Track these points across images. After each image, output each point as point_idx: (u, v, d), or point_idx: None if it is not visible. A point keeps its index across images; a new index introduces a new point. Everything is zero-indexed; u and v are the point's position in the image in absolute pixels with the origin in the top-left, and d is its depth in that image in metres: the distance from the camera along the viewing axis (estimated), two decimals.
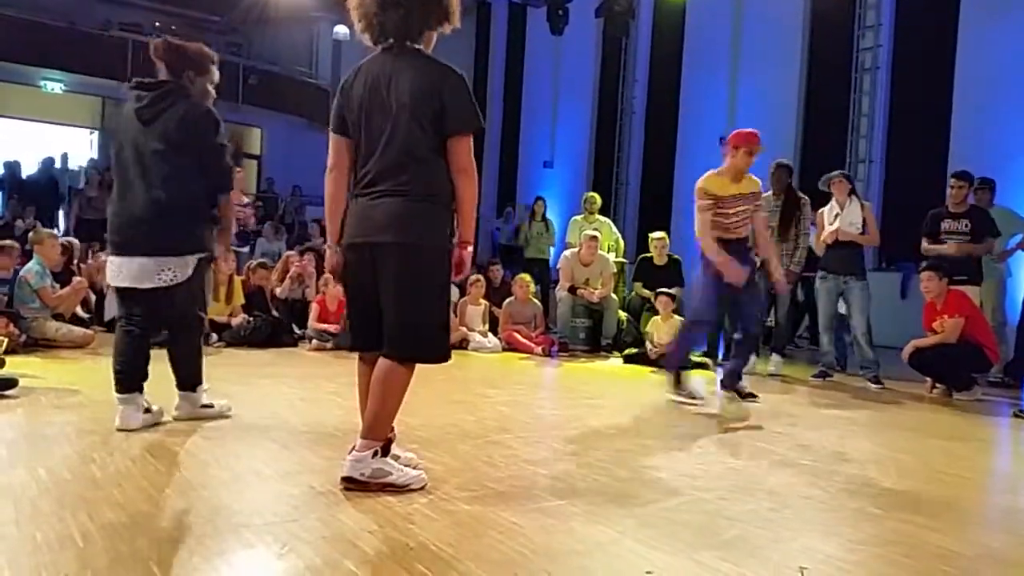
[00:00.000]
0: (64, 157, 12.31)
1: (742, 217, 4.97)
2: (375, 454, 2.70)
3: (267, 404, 4.32)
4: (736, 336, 5.27)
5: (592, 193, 9.68)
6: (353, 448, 2.72)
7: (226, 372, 5.42)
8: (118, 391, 3.53)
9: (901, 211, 8.15)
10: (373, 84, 2.71)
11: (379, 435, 2.71)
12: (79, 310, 7.01)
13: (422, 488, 2.74)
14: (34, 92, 15.23)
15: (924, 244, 6.67)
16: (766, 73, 12.05)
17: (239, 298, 7.31)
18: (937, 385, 6.15)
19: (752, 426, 4.40)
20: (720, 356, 7.02)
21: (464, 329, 7.81)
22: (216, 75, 3.79)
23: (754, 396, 5.19)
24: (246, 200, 9.15)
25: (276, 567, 2.08)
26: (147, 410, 3.61)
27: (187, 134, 3.51)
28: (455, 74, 2.68)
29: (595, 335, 7.97)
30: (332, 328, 7.20)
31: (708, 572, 2.17)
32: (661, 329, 7.11)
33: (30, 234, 7.06)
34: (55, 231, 8.42)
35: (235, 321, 7.08)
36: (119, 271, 3.57)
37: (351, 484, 2.69)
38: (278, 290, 7.89)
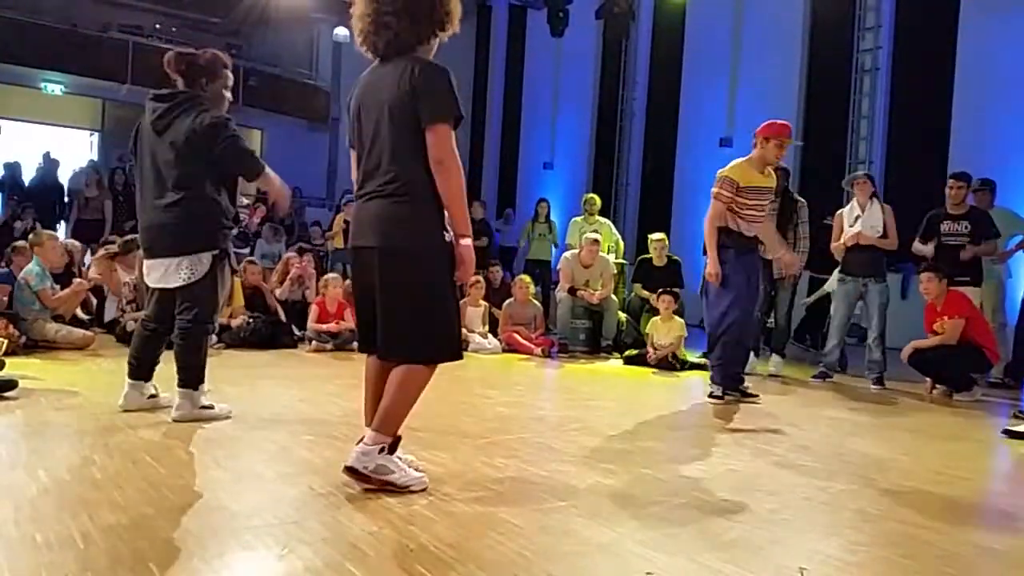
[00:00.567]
0: (55, 160, 12.23)
1: (757, 211, 4.98)
2: (381, 450, 2.69)
3: (267, 405, 4.32)
4: (726, 338, 5.25)
5: (592, 194, 9.67)
6: (361, 439, 2.73)
7: (226, 373, 5.42)
8: (128, 376, 3.94)
9: (901, 212, 8.14)
10: (363, 93, 2.78)
11: (390, 430, 2.71)
12: (79, 312, 7.00)
13: (422, 490, 2.73)
14: (34, 94, 15.22)
15: (916, 244, 6.66)
16: (766, 75, 12.06)
17: (239, 299, 7.30)
18: (937, 386, 6.15)
19: (752, 427, 4.40)
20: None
21: (464, 330, 7.79)
22: (230, 78, 4.01)
23: (755, 396, 5.20)
24: (246, 202, 9.14)
25: (276, 569, 2.08)
26: (152, 396, 3.99)
27: (193, 145, 3.71)
28: (432, 66, 2.65)
29: (595, 336, 7.96)
30: (332, 329, 7.20)
31: (709, 573, 2.17)
32: (661, 330, 7.11)
33: (30, 236, 7.05)
34: (55, 232, 8.40)
35: (235, 322, 7.08)
36: (149, 272, 3.89)
37: (353, 475, 2.68)
38: (278, 291, 7.89)
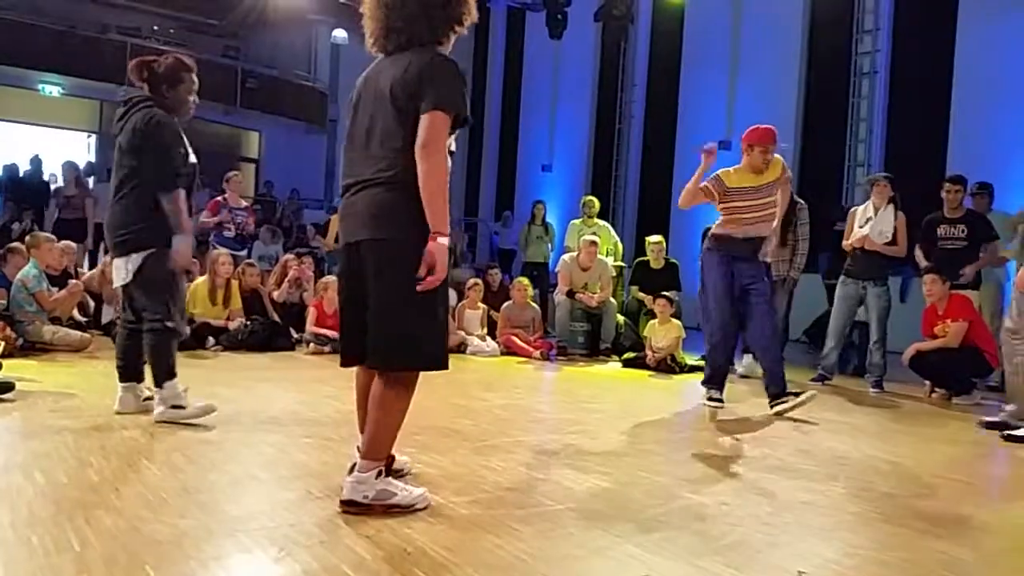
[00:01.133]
0: (39, 160, 11.98)
1: (759, 211, 4.97)
2: (379, 474, 2.51)
3: (264, 408, 4.31)
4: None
5: (591, 197, 9.68)
6: (353, 468, 2.56)
7: (224, 376, 5.41)
8: (119, 379, 3.96)
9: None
10: (364, 83, 2.64)
11: (380, 454, 2.53)
12: (76, 314, 6.99)
13: (427, 507, 2.59)
14: (32, 95, 15.23)
15: (917, 252, 6.65)
16: (764, 77, 12.08)
17: (236, 302, 7.29)
18: (936, 389, 6.16)
19: (751, 430, 4.40)
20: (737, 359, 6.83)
21: (462, 333, 7.80)
22: (194, 82, 3.98)
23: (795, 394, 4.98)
24: (244, 204, 9.14)
25: (273, 572, 2.07)
26: (147, 398, 3.94)
27: (133, 144, 3.75)
28: (444, 58, 2.49)
29: (593, 339, 7.96)
30: (329, 332, 7.19)
31: None
32: (659, 333, 7.10)
33: (27, 238, 7.03)
34: (51, 235, 8.37)
35: (232, 325, 7.07)
36: (114, 271, 3.93)
37: (353, 508, 2.49)
38: (276, 294, 7.88)
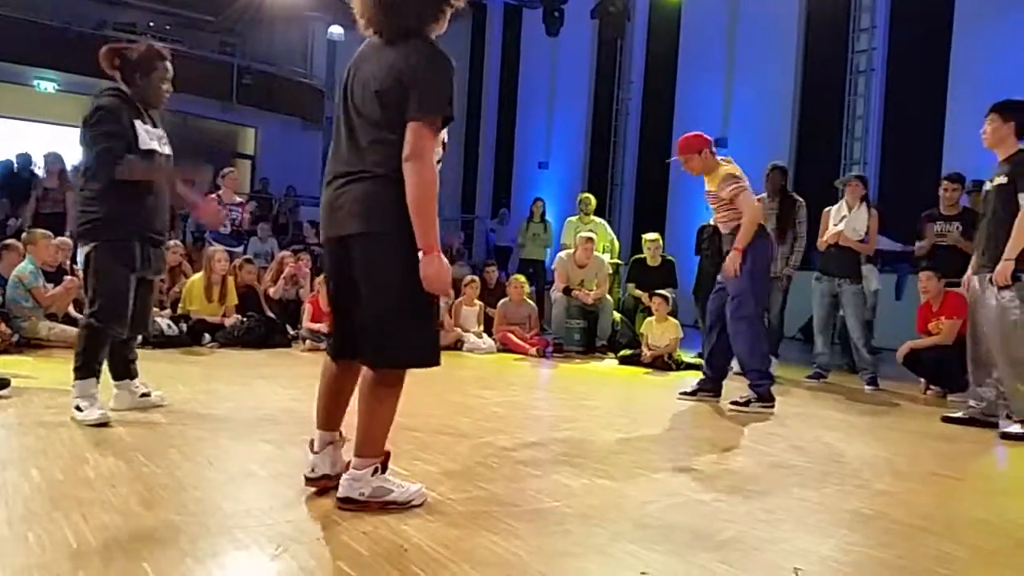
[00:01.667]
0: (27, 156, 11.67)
1: (718, 213, 5.14)
2: (375, 471, 2.51)
3: (261, 405, 4.31)
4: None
5: (587, 194, 9.68)
6: (348, 466, 2.54)
7: (220, 373, 5.41)
8: (112, 379, 3.96)
9: (895, 213, 8.18)
10: (355, 69, 2.56)
11: (375, 451, 2.51)
12: (72, 310, 6.98)
13: (423, 503, 2.60)
14: (27, 91, 15.17)
15: (917, 248, 6.69)
16: (761, 75, 12.09)
17: (232, 298, 7.28)
18: (931, 387, 6.18)
19: (746, 428, 4.41)
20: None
21: (459, 330, 7.81)
22: (168, 71, 3.84)
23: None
24: (239, 200, 9.12)
25: (270, 568, 2.07)
26: (144, 394, 3.98)
27: (83, 137, 3.70)
28: (435, 54, 2.40)
29: (590, 336, 7.97)
30: (325, 328, 7.17)
31: (703, 573, 2.17)
32: (655, 330, 7.11)
33: (23, 234, 7.02)
34: (48, 231, 8.34)
35: (228, 321, 7.06)
36: None
37: (349, 505, 2.49)
38: (272, 290, 7.87)
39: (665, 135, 13.74)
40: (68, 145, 15.10)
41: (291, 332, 7.52)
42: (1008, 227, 4.49)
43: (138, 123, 3.72)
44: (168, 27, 16.69)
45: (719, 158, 5.18)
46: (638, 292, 8.22)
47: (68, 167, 10.59)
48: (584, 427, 4.16)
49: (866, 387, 6.25)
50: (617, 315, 8.12)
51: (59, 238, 7.12)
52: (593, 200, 9.50)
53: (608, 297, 8.03)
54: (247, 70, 16.69)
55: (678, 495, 2.93)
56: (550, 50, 15.33)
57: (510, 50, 17.89)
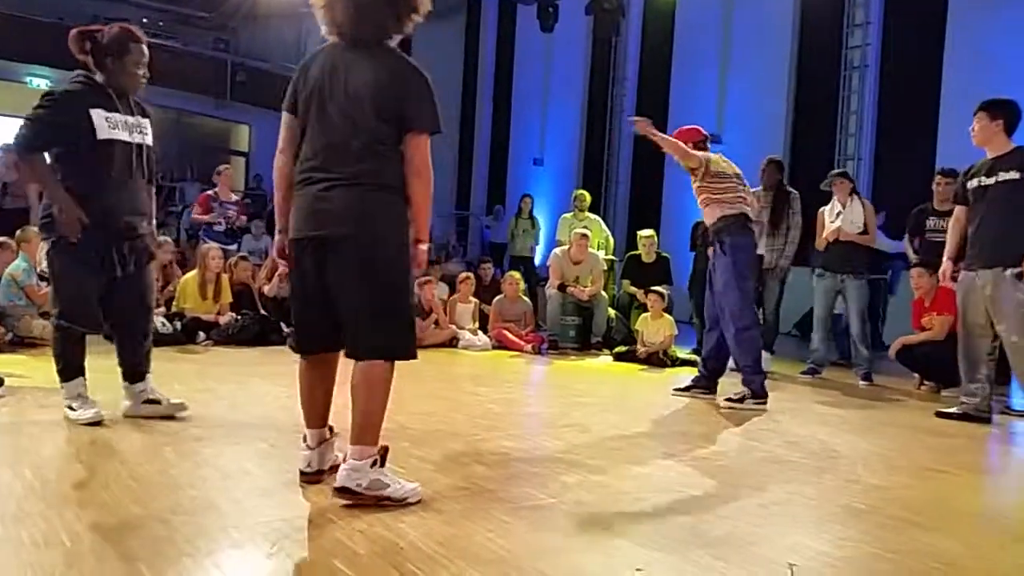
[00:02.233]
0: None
1: (700, 205, 5.21)
2: (373, 463, 2.55)
3: (256, 403, 4.30)
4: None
5: (582, 191, 9.67)
6: (346, 457, 2.58)
7: (215, 371, 5.40)
8: (122, 379, 3.74)
9: (889, 208, 8.20)
10: (332, 70, 2.62)
11: (372, 440, 2.56)
12: None
13: (418, 502, 2.60)
14: (20, 88, 15.11)
15: (906, 243, 6.71)
16: (755, 71, 12.08)
17: (227, 296, 7.27)
18: (925, 382, 6.20)
19: (741, 423, 4.42)
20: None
21: (454, 327, 7.80)
22: (143, 55, 3.62)
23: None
24: (234, 197, 9.10)
25: (266, 566, 2.07)
26: (152, 401, 3.71)
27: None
28: (420, 73, 2.63)
29: (585, 333, 7.97)
30: None
31: (698, 569, 2.17)
32: (651, 327, 7.12)
33: (16, 232, 6.99)
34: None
35: (223, 319, 7.05)
36: None
37: (345, 495, 2.52)
38: (266, 288, 7.85)
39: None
40: None
41: (286, 330, 7.49)
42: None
43: (98, 112, 3.47)
44: (162, 23, 16.62)
45: (710, 155, 5.19)
46: (633, 289, 8.22)
47: None
48: (579, 423, 4.16)
49: (860, 382, 6.27)
50: (612, 312, 8.12)
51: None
52: (588, 197, 9.49)
53: (603, 294, 8.02)
54: (241, 67, 16.65)
55: (672, 491, 2.93)
56: (545, 46, 15.29)
57: (504, 46, 17.84)
